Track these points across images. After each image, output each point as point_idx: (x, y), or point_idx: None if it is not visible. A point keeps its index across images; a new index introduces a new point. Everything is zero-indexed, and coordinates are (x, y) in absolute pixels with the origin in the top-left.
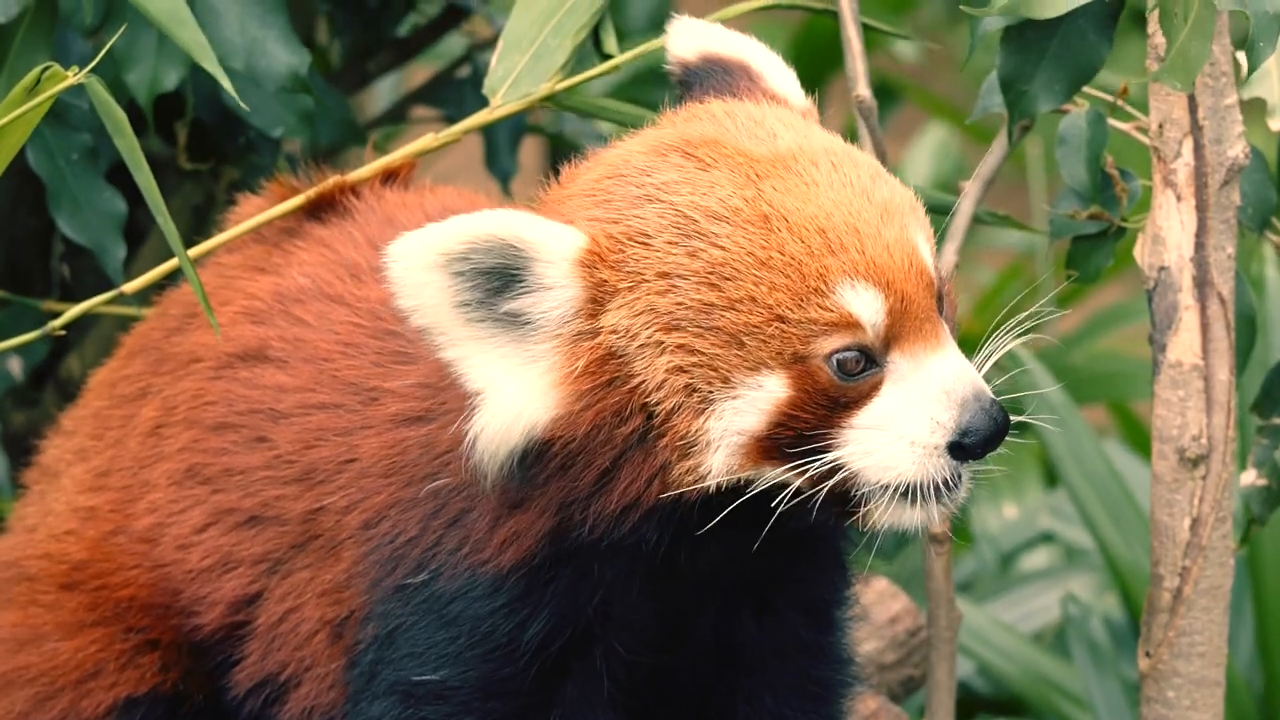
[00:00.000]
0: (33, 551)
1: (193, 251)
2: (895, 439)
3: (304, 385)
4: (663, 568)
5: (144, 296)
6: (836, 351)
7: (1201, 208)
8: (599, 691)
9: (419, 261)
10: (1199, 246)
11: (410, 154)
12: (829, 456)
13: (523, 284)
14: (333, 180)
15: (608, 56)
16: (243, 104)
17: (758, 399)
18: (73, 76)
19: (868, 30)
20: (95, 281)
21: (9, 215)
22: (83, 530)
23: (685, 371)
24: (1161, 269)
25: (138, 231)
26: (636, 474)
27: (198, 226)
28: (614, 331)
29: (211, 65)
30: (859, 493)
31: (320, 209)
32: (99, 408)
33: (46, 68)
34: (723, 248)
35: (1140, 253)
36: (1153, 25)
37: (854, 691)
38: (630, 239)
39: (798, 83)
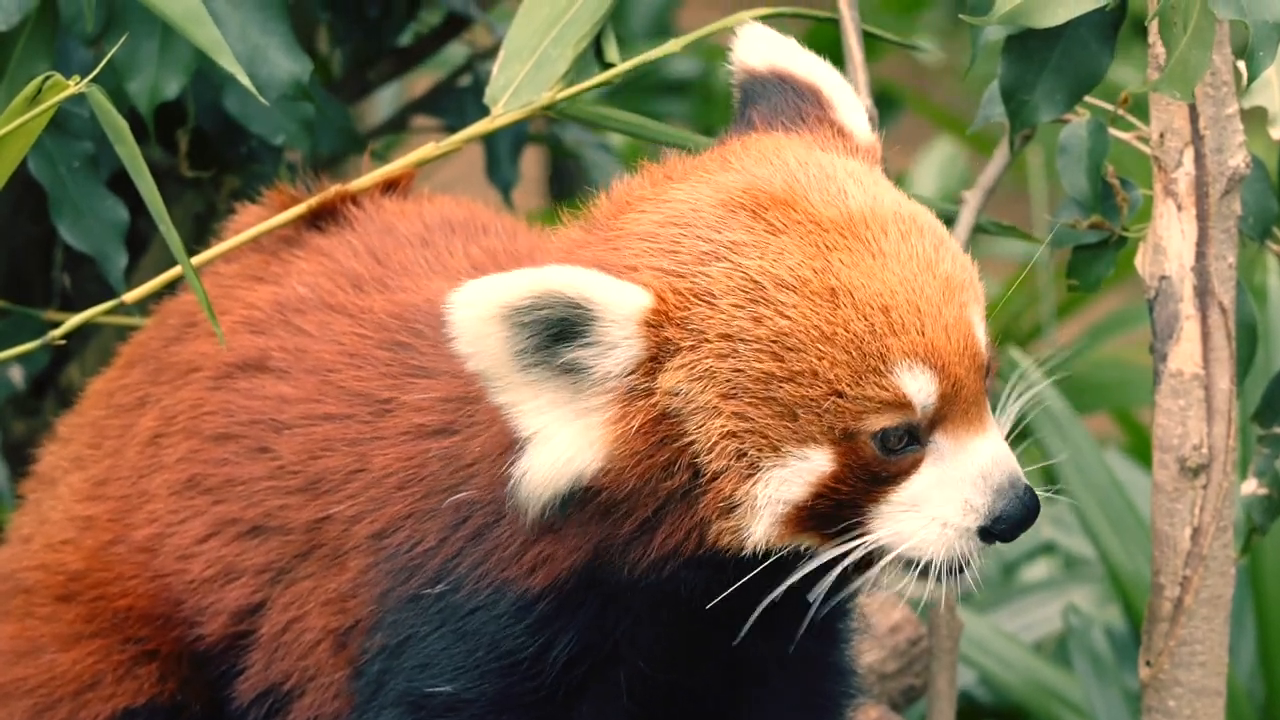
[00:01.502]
0: (29, 562)
1: (194, 260)
2: (927, 520)
3: (308, 396)
4: (685, 597)
5: (145, 306)
6: (885, 429)
7: (1202, 217)
8: (616, 706)
9: (481, 312)
10: (1200, 256)
11: (411, 163)
12: (863, 534)
13: (584, 338)
14: (334, 189)
15: (609, 65)
16: (260, 98)
17: (803, 469)
18: (74, 85)
19: (870, 39)
20: (96, 291)
21: (10, 224)
22: (80, 540)
23: (737, 437)
24: (1162, 278)
25: (138, 241)
26: (676, 527)
27: (199, 235)
28: (671, 394)
29: (228, 62)
30: (882, 564)
31: (320, 218)
32: (96, 416)
33: (48, 77)
34: (789, 318)
35: (1141, 262)
36: (1153, 35)
37: (856, 703)
38: (696, 297)
39: (867, 117)
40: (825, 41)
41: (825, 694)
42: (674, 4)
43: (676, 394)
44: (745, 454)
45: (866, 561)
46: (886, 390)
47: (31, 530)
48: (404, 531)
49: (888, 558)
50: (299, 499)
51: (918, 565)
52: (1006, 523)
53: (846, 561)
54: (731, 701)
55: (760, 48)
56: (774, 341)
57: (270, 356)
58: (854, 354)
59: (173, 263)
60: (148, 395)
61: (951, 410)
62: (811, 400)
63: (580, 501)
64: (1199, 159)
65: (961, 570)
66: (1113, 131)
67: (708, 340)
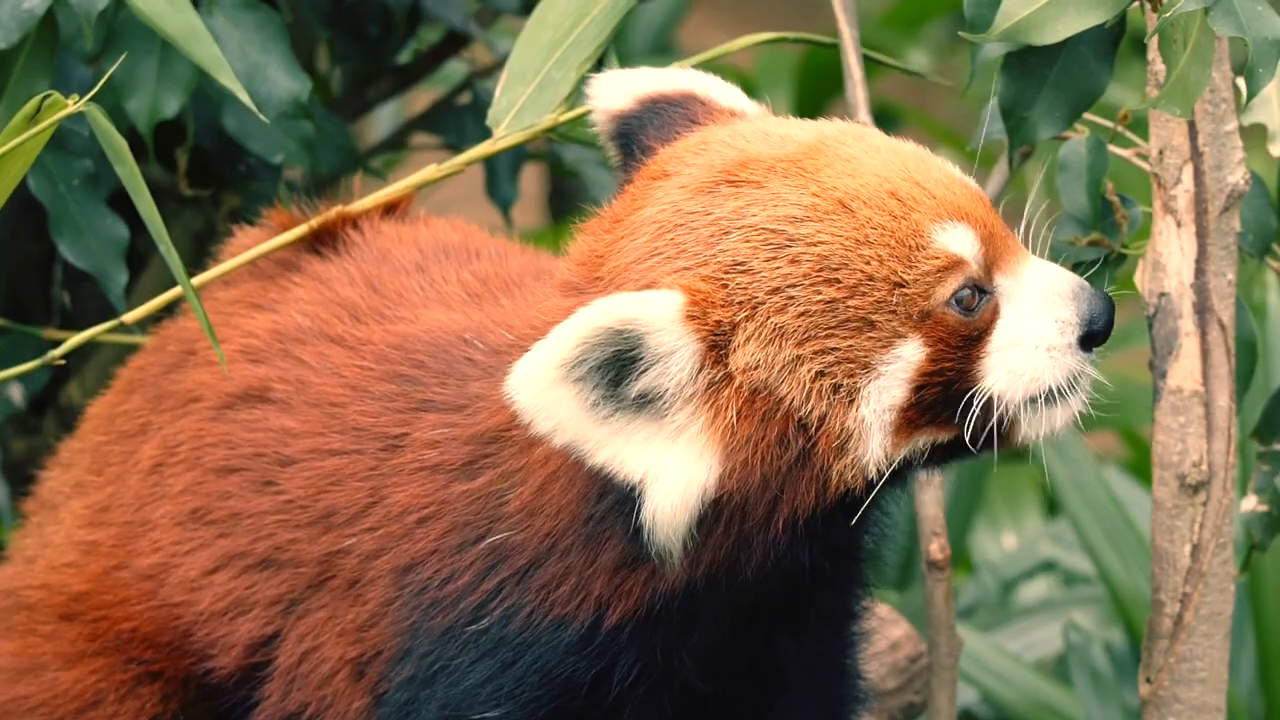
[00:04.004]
0: (31, 581)
1: (193, 282)
2: (1031, 350)
3: (312, 430)
4: (745, 597)
5: (145, 325)
6: (954, 292)
7: (1202, 234)
8: (656, 716)
9: (543, 382)
10: (1199, 273)
11: (412, 185)
12: (977, 391)
13: (640, 362)
14: (334, 211)
15: None
16: (261, 115)
17: (898, 370)
18: (73, 104)
19: (868, 60)
20: (96, 309)
21: (9, 243)
22: (84, 563)
23: (827, 374)
24: (1162, 295)
25: (138, 259)
26: (795, 491)
27: (198, 254)
28: (750, 368)
29: (227, 79)
30: (1009, 415)
31: (320, 241)
32: (98, 442)
33: (47, 95)
34: (821, 243)
35: (1140, 279)
36: (1152, 52)
37: (864, 707)
38: (727, 272)
39: (744, 94)
40: (824, 62)
41: (838, 697)
42: (674, 23)
43: (756, 365)
44: (840, 386)
45: (994, 423)
46: (937, 257)
47: (35, 551)
48: (430, 567)
49: (1010, 404)
50: (309, 532)
51: (1041, 398)
52: (1099, 321)
53: (973, 428)
54: (756, 708)
55: (618, 88)
56: (820, 270)
57: (271, 388)
58: (892, 243)
59: (173, 281)
60: (149, 423)
61: (995, 250)
62: (879, 302)
63: (714, 517)
64: (1198, 176)
65: (1079, 385)
66: (1112, 148)
67: (760, 302)
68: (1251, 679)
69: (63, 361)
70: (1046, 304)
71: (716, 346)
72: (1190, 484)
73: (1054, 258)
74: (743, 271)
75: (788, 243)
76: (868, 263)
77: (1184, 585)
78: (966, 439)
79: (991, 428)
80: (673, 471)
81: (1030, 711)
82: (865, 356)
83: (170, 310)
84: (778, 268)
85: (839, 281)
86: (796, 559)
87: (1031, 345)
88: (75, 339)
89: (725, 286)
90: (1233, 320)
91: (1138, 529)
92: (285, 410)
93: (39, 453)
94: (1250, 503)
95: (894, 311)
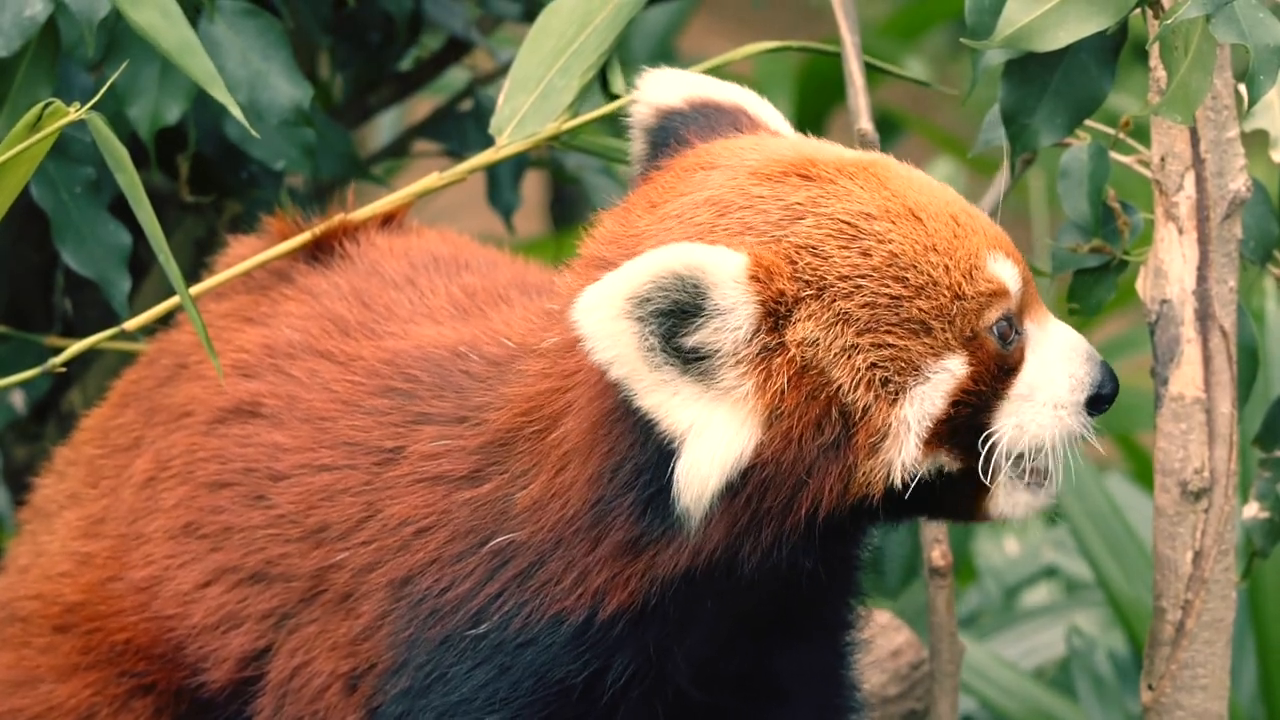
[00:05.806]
0: (25, 592)
1: (191, 291)
2: (1040, 406)
3: (304, 445)
4: (741, 599)
5: (146, 333)
6: (997, 321)
7: (1203, 241)
8: None
9: (609, 312)
10: (1201, 279)
11: (415, 193)
12: (993, 429)
13: (700, 316)
14: (337, 219)
15: (615, 96)
16: (253, 131)
17: (941, 381)
18: (74, 112)
19: (869, 67)
20: (97, 316)
21: (11, 250)
22: (78, 574)
23: (880, 367)
24: (1163, 302)
25: (140, 265)
26: (821, 484)
27: (199, 260)
28: (806, 344)
29: (221, 94)
30: (1001, 469)
31: (320, 250)
32: (92, 455)
33: (49, 103)
34: (892, 241)
35: (1142, 286)
36: (1154, 58)
37: (860, 718)
38: (798, 250)
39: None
40: (825, 69)
41: (834, 707)
42: (675, 30)
43: (814, 343)
44: (889, 380)
45: (990, 473)
46: (991, 282)
47: (28, 561)
48: (429, 577)
49: (1008, 456)
50: (301, 547)
51: (1031, 461)
52: (1107, 385)
53: (973, 467)
54: (751, 718)
55: (673, 86)
56: (890, 266)
57: (262, 403)
58: (956, 258)
59: (174, 289)
60: (142, 437)
61: (1029, 295)
62: (939, 309)
63: (737, 487)
64: (1200, 182)
65: (1072, 448)
66: (1114, 155)
67: (829, 285)
68: (1253, 685)
69: (64, 369)
70: (1065, 358)
71: (774, 314)
72: (1192, 491)
73: (1056, 266)
74: (814, 254)
75: (861, 235)
76: (935, 269)
77: (1186, 592)
78: (973, 471)
79: (992, 468)
80: (715, 430)
81: (1030, 719)
82: (918, 360)
83: (170, 317)
84: (849, 256)
85: (907, 280)
86: (796, 561)
87: (1041, 400)
88: (76, 346)
89: (794, 263)
90: (1234, 327)
91: (1138, 536)
92: (276, 425)
93: (40, 459)
94: (1252, 509)
95: (950, 321)
